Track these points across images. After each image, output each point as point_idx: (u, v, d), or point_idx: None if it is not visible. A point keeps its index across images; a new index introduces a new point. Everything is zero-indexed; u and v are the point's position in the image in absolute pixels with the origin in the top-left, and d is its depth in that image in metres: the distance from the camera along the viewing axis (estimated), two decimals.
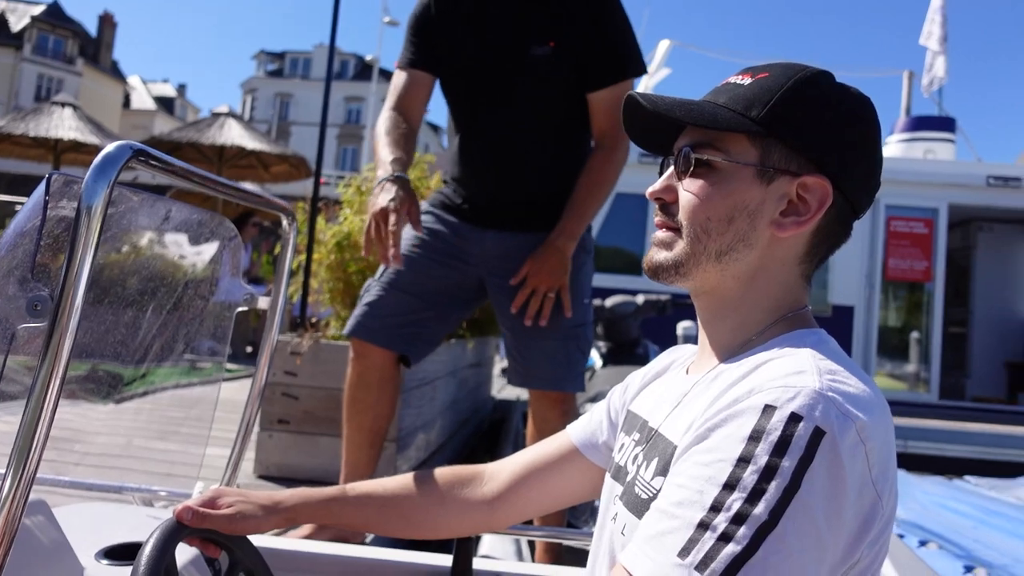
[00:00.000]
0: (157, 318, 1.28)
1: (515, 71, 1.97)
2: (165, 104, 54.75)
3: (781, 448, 0.63)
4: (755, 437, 0.64)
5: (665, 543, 0.64)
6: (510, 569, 1.35)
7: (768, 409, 0.65)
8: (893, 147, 8.58)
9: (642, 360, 4.39)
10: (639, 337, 4.56)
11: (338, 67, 48.44)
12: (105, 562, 1.09)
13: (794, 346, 0.74)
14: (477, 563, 1.29)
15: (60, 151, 9.42)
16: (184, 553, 1.06)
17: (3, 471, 0.70)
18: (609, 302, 4.51)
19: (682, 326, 4.37)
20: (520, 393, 5.71)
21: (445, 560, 1.29)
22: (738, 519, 0.62)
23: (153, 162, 0.79)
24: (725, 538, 0.61)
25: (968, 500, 4.03)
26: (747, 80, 0.82)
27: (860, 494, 0.65)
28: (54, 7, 43.54)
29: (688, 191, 0.82)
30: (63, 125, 9.06)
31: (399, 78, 2.07)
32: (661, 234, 0.85)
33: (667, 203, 0.84)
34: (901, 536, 3.22)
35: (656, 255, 0.85)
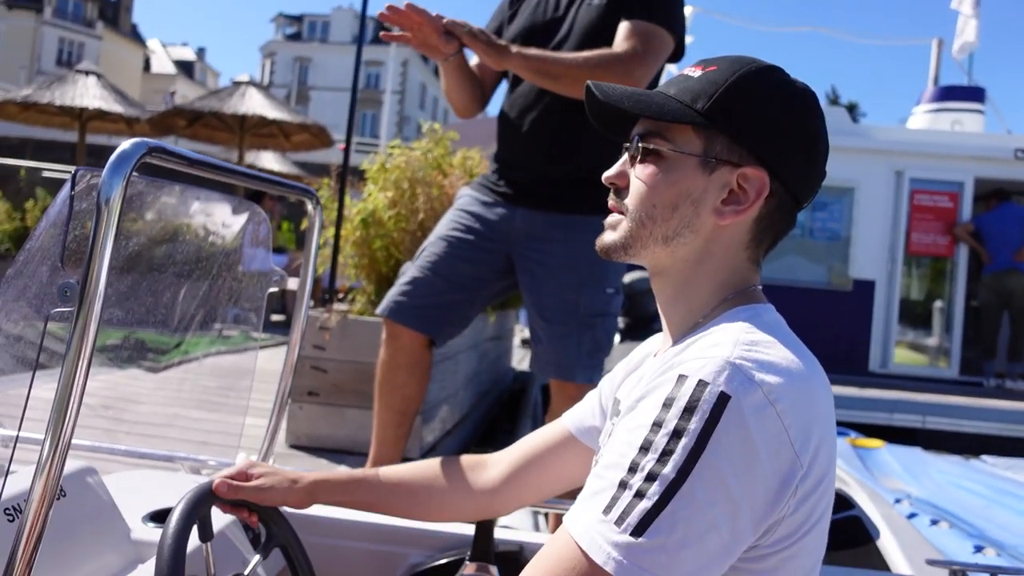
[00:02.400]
0: (194, 298, 1.35)
1: (565, 19, 2.03)
2: (185, 68, 54.68)
3: (688, 412, 0.69)
4: (667, 404, 0.71)
5: (594, 503, 0.71)
6: (528, 539, 1.42)
7: (681, 379, 0.71)
8: (920, 118, 8.42)
9: None
10: (656, 313, 4.59)
11: (356, 31, 47.93)
12: (151, 525, 1.17)
13: (728, 323, 0.79)
14: (497, 532, 1.35)
15: (85, 119, 9.50)
16: (227, 517, 1.16)
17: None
18: (626, 278, 4.54)
19: None
20: None
21: (468, 528, 1.36)
22: (650, 478, 0.68)
23: (167, 156, 0.84)
24: (639, 495, 0.68)
25: (982, 480, 4.05)
26: (698, 72, 0.86)
27: (775, 453, 0.69)
28: None
29: (637, 178, 0.86)
30: (88, 94, 9.13)
31: None
32: (610, 217, 0.90)
33: (619, 188, 0.89)
34: (913, 515, 3.27)
35: (605, 237, 0.90)
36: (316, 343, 2.88)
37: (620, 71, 1.88)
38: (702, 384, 0.69)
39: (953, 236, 7.23)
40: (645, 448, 0.70)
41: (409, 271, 2.12)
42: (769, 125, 0.83)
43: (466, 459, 1.24)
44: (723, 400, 0.68)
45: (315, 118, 10.97)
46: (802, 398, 0.72)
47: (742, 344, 0.73)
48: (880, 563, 2.27)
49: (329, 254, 3.35)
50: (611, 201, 0.91)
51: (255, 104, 8.80)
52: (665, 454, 0.68)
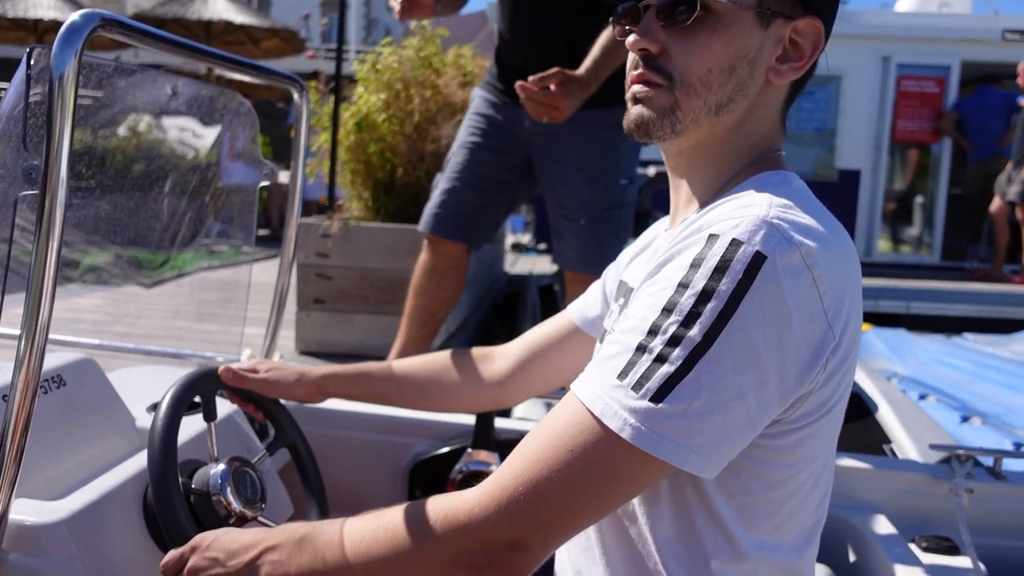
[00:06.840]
0: (182, 197, 1.32)
1: None
2: None
3: (719, 272, 0.63)
4: (696, 264, 0.65)
5: (607, 367, 0.66)
6: (530, 428, 1.44)
7: (712, 238, 0.65)
8: (907, 1, 8.25)
9: None
10: (651, 208, 4.62)
11: None
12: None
13: (756, 186, 0.72)
14: (499, 423, 1.40)
15: (41, 32, 9.01)
16: (231, 407, 1.20)
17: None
18: None
19: None
20: (532, 267, 5.82)
21: (470, 419, 1.40)
22: (673, 341, 0.63)
23: (123, 30, 0.79)
24: (660, 359, 0.63)
25: (965, 356, 4.21)
26: None
27: (808, 321, 0.64)
28: None
29: (688, 40, 0.74)
30: (41, 4, 8.62)
31: None
32: (641, 89, 0.77)
33: (652, 55, 0.76)
34: (903, 391, 3.42)
35: (643, 112, 0.77)
36: (319, 251, 2.87)
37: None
38: (736, 243, 0.63)
39: (938, 129, 7.22)
40: (668, 309, 0.64)
41: (440, 183, 2.19)
42: None
43: (474, 351, 1.25)
44: (758, 260, 0.62)
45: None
46: (837, 266, 0.67)
47: (777, 204, 0.67)
48: (880, 435, 2.40)
49: (317, 162, 3.28)
50: (638, 71, 0.77)
51: (220, 8, 8.41)
52: (691, 316, 0.63)
